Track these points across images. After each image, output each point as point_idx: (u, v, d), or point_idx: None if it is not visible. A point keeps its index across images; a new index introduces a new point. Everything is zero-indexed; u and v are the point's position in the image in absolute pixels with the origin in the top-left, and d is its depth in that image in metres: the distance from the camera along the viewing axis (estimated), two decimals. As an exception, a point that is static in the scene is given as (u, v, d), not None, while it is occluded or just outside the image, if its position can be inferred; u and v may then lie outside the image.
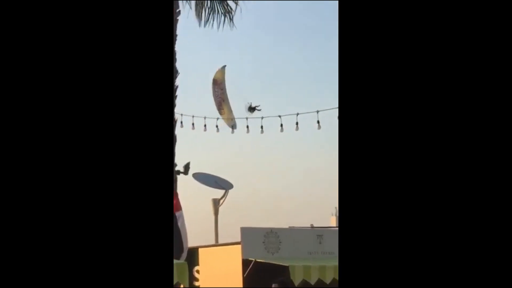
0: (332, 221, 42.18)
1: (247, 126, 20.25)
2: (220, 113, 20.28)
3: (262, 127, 19.99)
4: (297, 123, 19.49)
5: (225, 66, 20.67)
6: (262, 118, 20.02)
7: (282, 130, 19.76)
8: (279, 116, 19.88)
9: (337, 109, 18.33)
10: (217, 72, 20.46)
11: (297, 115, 19.49)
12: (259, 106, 19.48)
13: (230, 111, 20.34)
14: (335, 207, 42.51)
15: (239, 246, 14.96)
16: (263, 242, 15.31)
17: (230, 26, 17.81)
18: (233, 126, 20.20)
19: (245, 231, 15.19)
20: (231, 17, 17.71)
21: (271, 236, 15.49)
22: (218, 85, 20.20)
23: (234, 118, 20.17)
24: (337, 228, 26.04)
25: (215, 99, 20.47)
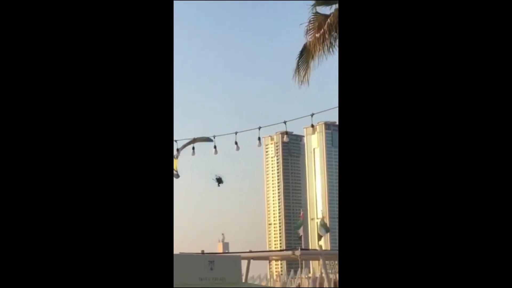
0: (219, 247, 42.37)
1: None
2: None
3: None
4: (193, 148, 19.34)
5: (213, 139, 20.18)
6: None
7: (178, 155, 19.52)
8: (175, 141, 19.71)
9: (234, 135, 18.50)
10: (200, 138, 19.97)
11: (193, 139, 19.39)
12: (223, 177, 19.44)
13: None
14: (222, 233, 42.72)
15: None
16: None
17: None
18: (176, 176, 19.83)
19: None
20: None
21: (162, 262, 15.30)
22: (184, 146, 19.88)
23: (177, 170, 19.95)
24: (228, 254, 26.19)
25: (179, 150, 20.05)
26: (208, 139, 19.95)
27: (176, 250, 19.72)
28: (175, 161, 19.93)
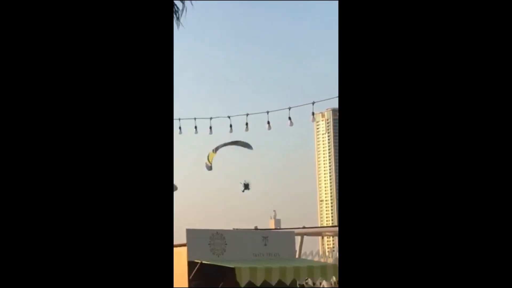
0: (271, 224, 42.43)
1: (195, 127, 19.76)
2: (210, 154, 20.32)
3: (211, 128, 19.52)
4: (246, 124, 19.14)
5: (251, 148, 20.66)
6: (211, 118, 19.57)
7: (231, 131, 19.29)
8: (229, 117, 19.45)
9: (287, 110, 18.39)
10: (242, 142, 20.63)
11: (246, 115, 19.16)
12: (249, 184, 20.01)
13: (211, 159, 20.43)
14: (274, 210, 42.81)
15: (185, 248, 14.81)
16: (209, 244, 15.23)
17: (177, 25, 17.66)
18: (209, 168, 20.22)
19: (190, 233, 15.07)
20: (177, 16, 17.55)
21: (216, 238, 15.41)
22: (224, 145, 20.47)
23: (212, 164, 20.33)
24: (282, 230, 26.34)
25: (218, 146, 20.54)
26: (248, 146, 20.23)
27: (229, 226, 19.76)
28: (212, 154, 20.16)
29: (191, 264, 14.70)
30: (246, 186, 20.36)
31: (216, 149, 20.41)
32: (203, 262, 14.80)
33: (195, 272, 14.55)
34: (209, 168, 19.89)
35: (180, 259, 14.74)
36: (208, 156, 20.15)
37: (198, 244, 15.02)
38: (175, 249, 15.52)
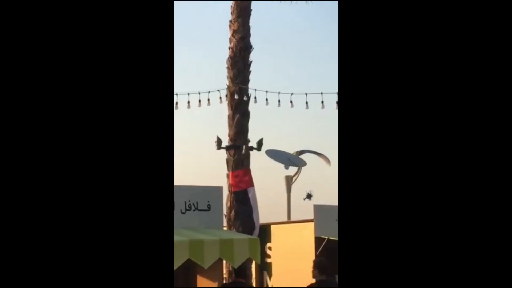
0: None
1: (322, 102, 19.55)
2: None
3: (337, 102, 19.26)
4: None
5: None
6: (337, 93, 19.38)
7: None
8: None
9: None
10: (325, 156, 21.47)
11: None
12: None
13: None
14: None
15: (312, 224, 14.72)
16: (336, 220, 15.06)
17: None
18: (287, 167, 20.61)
19: (318, 208, 14.94)
20: None
21: (344, 214, 15.22)
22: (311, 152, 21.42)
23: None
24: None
25: (304, 150, 21.24)
26: (328, 161, 20.90)
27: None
28: (293, 155, 20.38)
29: (318, 240, 14.64)
30: (309, 196, 21.00)
31: (301, 152, 20.63)
32: (330, 238, 14.68)
33: (322, 247, 14.49)
34: (287, 167, 20.11)
35: (307, 234, 14.76)
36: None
37: (326, 220, 14.87)
38: (303, 224, 15.54)
